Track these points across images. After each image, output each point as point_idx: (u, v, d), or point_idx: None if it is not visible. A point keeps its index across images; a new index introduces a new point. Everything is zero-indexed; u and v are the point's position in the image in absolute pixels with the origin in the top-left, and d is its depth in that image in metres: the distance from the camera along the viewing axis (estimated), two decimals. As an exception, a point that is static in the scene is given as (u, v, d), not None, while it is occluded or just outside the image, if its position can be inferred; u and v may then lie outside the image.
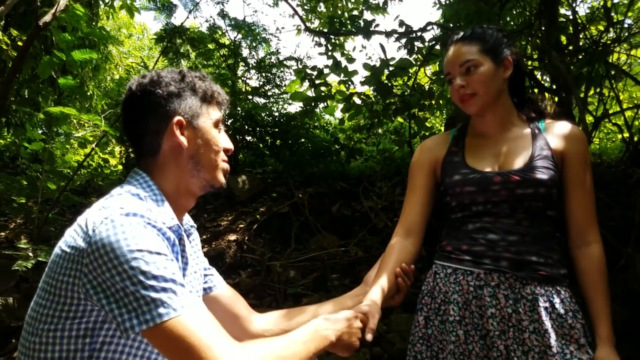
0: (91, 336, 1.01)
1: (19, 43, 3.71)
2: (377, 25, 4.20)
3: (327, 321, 1.19)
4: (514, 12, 4.61)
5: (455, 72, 1.47)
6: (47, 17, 3.58)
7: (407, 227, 1.55)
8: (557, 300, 1.35)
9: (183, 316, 0.93)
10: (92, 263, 0.96)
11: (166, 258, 0.98)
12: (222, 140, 1.25)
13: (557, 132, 1.48)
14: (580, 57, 3.68)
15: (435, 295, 1.46)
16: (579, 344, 1.31)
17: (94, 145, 4.44)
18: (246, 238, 4.42)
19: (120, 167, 6.37)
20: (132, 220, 0.99)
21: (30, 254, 3.61)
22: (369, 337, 1.26)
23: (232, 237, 4.45)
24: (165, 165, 1.18)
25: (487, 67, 1.44)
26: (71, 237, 1.03)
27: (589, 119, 3.78)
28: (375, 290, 1.40)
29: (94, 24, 6.71)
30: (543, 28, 3.86)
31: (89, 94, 7.28)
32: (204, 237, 4.52)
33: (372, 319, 1.29)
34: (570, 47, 3.86)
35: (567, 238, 1.46)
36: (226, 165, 1.26)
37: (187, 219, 1.31)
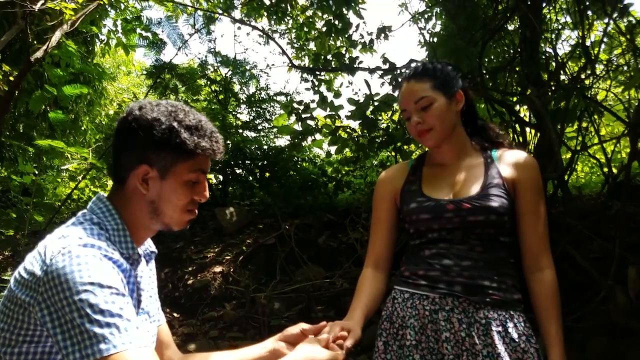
0: None
1: (11, 78, 3.81)
2: (361, 62, 4.32)
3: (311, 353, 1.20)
4: (498, 50, 4.75)
5: (411, 109, 1.53)
6: (39, 53, 3.70)
7: (375, 260, 1.62)
8: (510, 325, 1.37)
9: (124, 353, 0.94)
10: (46, 292, 0.98)
11: (117, 292, 1.00)
12: (192, 193, 1.20)
13: (509, 161, 1.53)
14: (559, 92, 3.78)
15: (393, 320, 1.49)
16: (532, 368, 1.34)
17: (80, 178, 4.50)
18: (232, 270, 4.43)
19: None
20: (88, 252, 1.02)
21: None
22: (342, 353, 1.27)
23: (218, 268, 4.46)
24: (128, 199, 1.19)
25: (440, 103, 1.50)
26: (29, 263, 1.05)
27: (568, 153, 3.86)
28: (356, 314, 1.45)
29: (89, 60, 6.86)
30: (523, 64, 3.98)
31: (82, 128, 7.38)
32: (190, 269, 4.53)
33: (351, 340, 1.32)
34: (551, 83, 3.96)
35: (521, 264, 1.49)
36: (191, 215, 1.24)
37: (149, 244, 1.34)
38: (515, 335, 1.36)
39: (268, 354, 1.35)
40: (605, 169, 4.08)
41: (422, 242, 1.52)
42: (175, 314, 4.15)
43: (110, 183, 6.92)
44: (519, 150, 1.59)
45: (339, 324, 1.35)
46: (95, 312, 0.95)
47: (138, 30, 5.04)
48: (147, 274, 1.32)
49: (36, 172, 4.21)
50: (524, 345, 1.35)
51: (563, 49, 4.43)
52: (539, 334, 1.43)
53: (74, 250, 1.01)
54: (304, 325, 1.36)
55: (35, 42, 4.36)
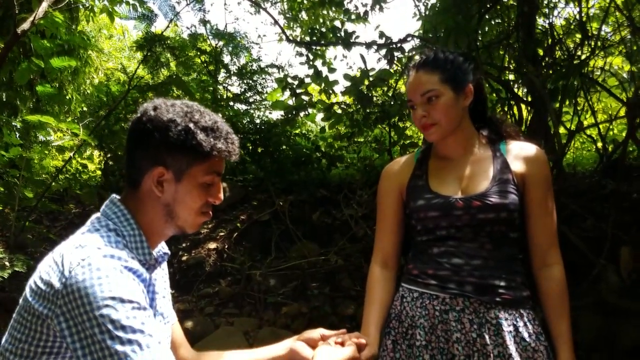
0: None
1: (-4, 49, 3.66)
2: (357, 37, 4.23)
3: None
4: (492, 23, 4.68)
5: (416, 100, 1.49)
6: (26, 25, 3.54)
7: (383, 258, 1.60)
8: (520, 324, 1.38)
9: None
10: (65, 305, 0.96)
11: (138, 307, 0.99)
12: (207, 195, 1.18)
13: (518, 154, 1.50)
14: (556, 69, 3.76)
15: (402, 319, 1.49)
16: (542, 367, 1.35)
17: (72, 154, 4.41)
18: (226, 246, 4.43)
19: (98, 172, 6.31)
20: (109, 263, 1.00)
21: (7, 263, 3.56)
22: None
23: (212, 245, 4.45)
24: (143, 202, 1.17)
25: (448, 97, 1.45)
26: (46, 273, 1.02)
27: (564, 131, 3.87)
28: (372, 331, 1.45)
29: (73, 27, 6.63)
30: (520, 40, 3.93)
31: (67, 97, 7.20)
32: (184, 245, 4.52)
33: (367, 352, 1.33)
34: (547, 60, 3.93)
35: (529, 259, 1.49)
36: (205, 217, 1.23)
37: (161, 245, 1.32)
38: (525, 335, 1.37)
39: (286, 353, 1.36)
40: (600, 144, 4.11)
41: (429, 239, 1.50)
42: (170, 291, 4.15)
43: (96, 153, 6.81)
44: (528, 143, 1.55)
45: (356, 334, 1.35)
46: (117, 329, 0.94)
47: (126, -1, 4.86)
48: (160, 274, 1.32)
49: (22, 144, 4.10)
50: (534, 345, 1.36)
51: (559, 24, 4.38)
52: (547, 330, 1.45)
53: (94, 263, 0.99)
54: (323, 331, 1.37)
55: (18, 12, 4.19)
